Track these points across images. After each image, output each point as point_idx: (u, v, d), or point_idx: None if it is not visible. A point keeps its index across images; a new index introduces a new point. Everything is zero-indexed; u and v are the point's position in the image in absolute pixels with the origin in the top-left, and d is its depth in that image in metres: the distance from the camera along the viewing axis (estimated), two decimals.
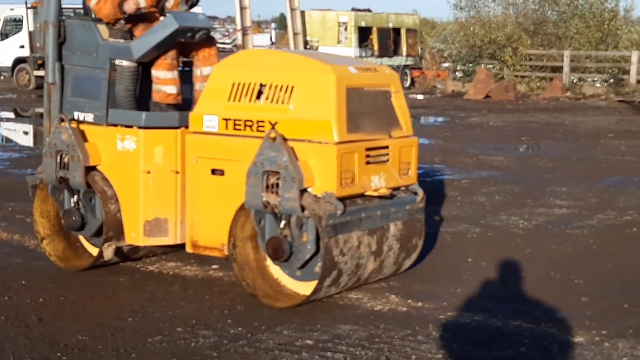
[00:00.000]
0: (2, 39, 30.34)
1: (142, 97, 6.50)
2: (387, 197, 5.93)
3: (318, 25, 30.50)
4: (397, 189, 6.11)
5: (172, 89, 6.45)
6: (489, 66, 31.00)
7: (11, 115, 22.68)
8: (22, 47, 29.10)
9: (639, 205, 9.94)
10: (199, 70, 6.71)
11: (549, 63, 30.84)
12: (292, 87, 5.59)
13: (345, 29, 30.43)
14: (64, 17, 6.69)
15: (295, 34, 27.10)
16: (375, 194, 5.90)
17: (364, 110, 5.80)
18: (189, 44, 6.52)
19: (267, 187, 5.52)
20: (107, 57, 6.32)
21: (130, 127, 6.22)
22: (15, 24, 30.23)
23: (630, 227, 8.82)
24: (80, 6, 7.47)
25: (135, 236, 6.32)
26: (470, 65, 31.91)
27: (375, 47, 31.27)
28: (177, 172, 6.27)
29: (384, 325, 5.60)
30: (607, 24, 31.64)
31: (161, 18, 6.63)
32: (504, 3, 34.04)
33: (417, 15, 37.60)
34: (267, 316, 5.85)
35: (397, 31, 32.69)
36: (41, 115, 7.36)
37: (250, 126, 5.71)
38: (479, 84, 27.68)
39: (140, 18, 6.58)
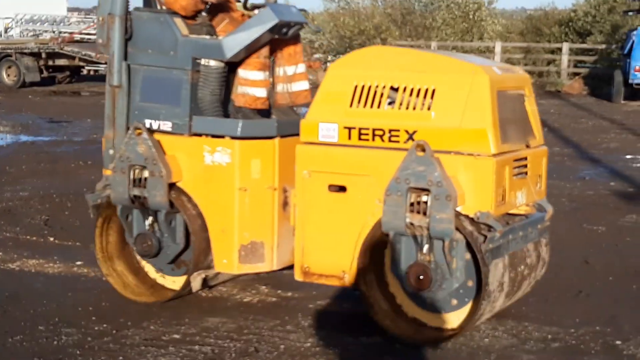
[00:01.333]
0: None
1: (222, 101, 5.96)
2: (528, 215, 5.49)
3: None
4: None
5: (262, 92, 5.86)
6: None
7: None
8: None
9: None
10: (282, 70, 6.17)
11: None
12: (434, 90, 5.01)
13: None
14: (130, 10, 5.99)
15: None
16: (519, 212, 5.48)
17: (508, 116, 5.27)
18: (276, 41, 5.93)
19: (411, 206, 4.95)
20: (190, 56, 5.71)
21: (222, 137, 5.63)
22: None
23: None
24: None
25: (227, 263, 5.77)
26: (341, 55, 31.14)
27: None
28: (274, 189, 5.74)
29: (253, 317, 5.84)
30: (472, 15, 34.13)
31: (244, 11, 6.16)
32: None
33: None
34: (133, 312, 6.02)
35: None
36: None
37: (381, 136, 5.13)
38: None
39: (220, 10, 6.03)
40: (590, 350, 5.29)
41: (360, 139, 5.18)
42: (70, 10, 51.36)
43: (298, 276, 5.55)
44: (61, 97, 27.53)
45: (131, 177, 5.67)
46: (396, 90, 5.13)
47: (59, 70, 30.41)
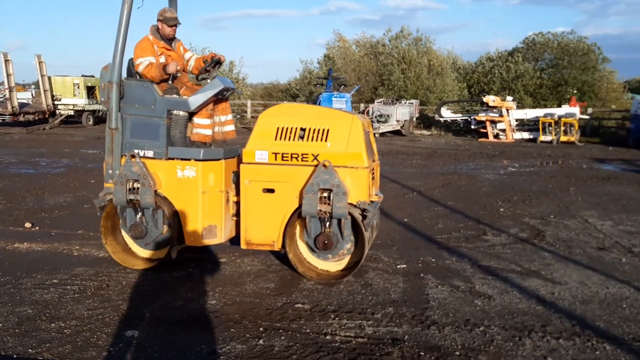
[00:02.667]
0: None
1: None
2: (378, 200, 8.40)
3: (60, 85, 41.54)
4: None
5: (208, 132, 8.40)
6: None
7: None
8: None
9: None
10: (218, 118, 8.67)
11: None
12: (328, 130, 7.73)
13: (78, 87, 41.55)
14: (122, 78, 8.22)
15: (45, 90, 40.48)
16: (377, 198, 8.28)
17: (366, 144, 7.98)
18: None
19: (320, 199, 7.64)
20: (166, 109, 8.07)
21: (189, 160, 8.03)
22: None
23: None
24: None
25: (194, 239, 8.16)
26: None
27: (98, 98, 38.76)
28: (222, 191, 8.18)
29: (106, 265, 8.55)
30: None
31: (194, 82, 8.66)
32: None
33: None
34: (26, 268, 8.44)
35: None
36: None
37: (297, 157, 7.77)
38: None
39: (179, 81, 8.49)
40: None
41: (282, 159, 7.81)
42: None
43: (243, 245, 8.11)
44: None
45: (128, 187, 8.04)
46: (304, 130, 7.78)
47: None
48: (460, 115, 40.67)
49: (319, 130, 7.78)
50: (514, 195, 14.99)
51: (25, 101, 44.22)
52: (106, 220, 8.53)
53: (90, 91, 41.80)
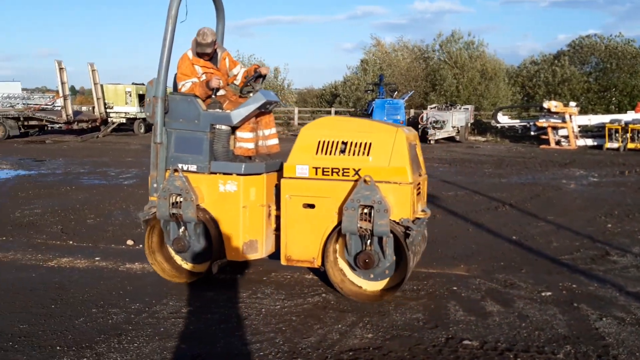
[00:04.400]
0: None
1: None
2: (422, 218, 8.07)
3: (112, 93, 43.42)
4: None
5: (251, 145, 8.33)
6: None
7: None
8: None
9: None
10: (261, 132, 8.60)
11: None
12: (370, 143, 7.51)
13: (130, 95, 43.46)
14: (168, 94, 8.24)
15: (98, 98, 41.93)
16: (422, 215, 7.99)
17: (412, 158, 7.74)
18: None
19: (361, 216, 7.40)
20: (209, 123, 8.05)
21: (230, 174, 7.99)
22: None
23: None
24: None
25: (235, 254, 8.11)
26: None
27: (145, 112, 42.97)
28: (263, 206, 8.11)
29: (235, 290, 8.07)
30: (279, 92, 50.15)
31: (239, 95, 8.58)
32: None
33: None
34: (151, 293, 7.96)
35: None
36: None
37: (337, 172, 7.58)
38: None
39: (222, 96, 8.43)
40: None
41: (323, 174, 7.62)
42: (23, 89, 76.40)
43: (283, 261, 7.98)
44: (34, 145, 34.95)
45: (171, 201, 8.04)
46: (345, 144, 7.59)
47: (31, 127, 41.91)
48: (518, 120, 40.12)
49: (360, 143, 7.59)
50: (612, 209, 14.27)
51: (77, 109, 46.99)
52: (150, 234, 8.55)
53: (142, 99, 42.52)
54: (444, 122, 36.64)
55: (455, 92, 47.73)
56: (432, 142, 35.99)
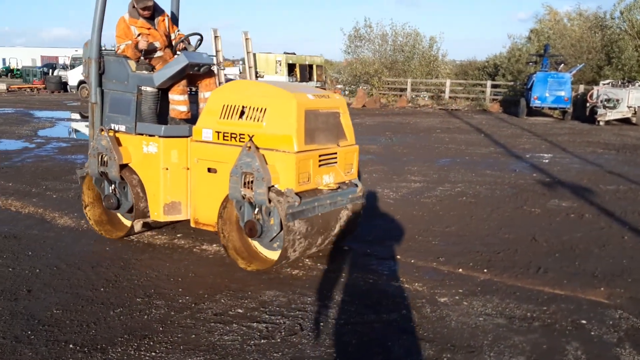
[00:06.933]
0: (71, 69, 48.64)
1: (162, 114, 8.34)
2: (334, 190, 7.64)
3: (263, 62, 47.34)
4: (343, 183, 7.84)
5: (183, 108, 8.35)
6: (365, 87, 47.49)
7: (77, 116, 30.38)
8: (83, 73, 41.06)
9: (464, 179, 14.31)
10: (202, 94, 8.62)
11: (398, 86, 47.44)
12: (265, 109, 7.24)
13: (280, 64, 48.69)
14: (103, 54, 8.51)
15: (249, 67, 42.61)
16: (326, 187, 7.57)
17: (318, 126, 7.43)
18: (195, 74, 8.40)
19: (245, 183, 7.21)
20: (135, 85, 8.18)
21: (153, 136, 8.07)
22: (78, 59, 46.04)
23: (461, 196, 12.45)
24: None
25: (157, 214, 8.24)
26: (353, 86, 49.70)
27: (298, 75, 49.74)
28: (187, 169, 8.10)
29: (300, 290, 6.96)
30: (432, 63, 50.58)
31: (174, 57, 8.52)
32: (372, 50, 52.66)
33: (322, 57, 55.43)
34: (210, 284, 7.15)
35: (310, 66, 52.11)
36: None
37: (235, 137, 7.43)
38: (359, 98, 43.55)
39: (159, 57, 8.49)
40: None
41: (224, 139, 7.52)
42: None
43: (192, 224, 8.03)
44: None
45: (99, 160, 8.30)
46: (244, 108, 7.39)
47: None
48: None
49: (257, 109, 7.35)
50: None
51: (232, 77, 47.56)
52: (88, 190, 8.88)
53: (291, 68, 48.41)
54: (617, 100, 31.17)
55: (636, 66, 40.71)
56: (601, 123, 31.12)
